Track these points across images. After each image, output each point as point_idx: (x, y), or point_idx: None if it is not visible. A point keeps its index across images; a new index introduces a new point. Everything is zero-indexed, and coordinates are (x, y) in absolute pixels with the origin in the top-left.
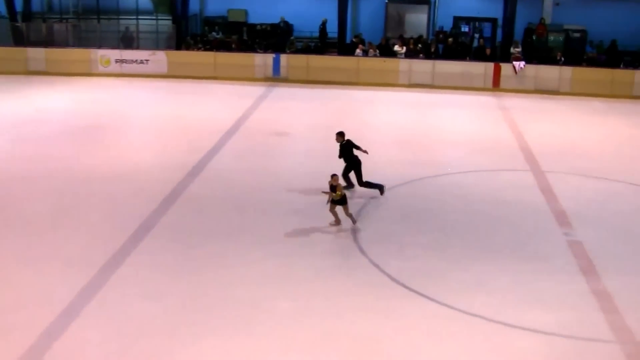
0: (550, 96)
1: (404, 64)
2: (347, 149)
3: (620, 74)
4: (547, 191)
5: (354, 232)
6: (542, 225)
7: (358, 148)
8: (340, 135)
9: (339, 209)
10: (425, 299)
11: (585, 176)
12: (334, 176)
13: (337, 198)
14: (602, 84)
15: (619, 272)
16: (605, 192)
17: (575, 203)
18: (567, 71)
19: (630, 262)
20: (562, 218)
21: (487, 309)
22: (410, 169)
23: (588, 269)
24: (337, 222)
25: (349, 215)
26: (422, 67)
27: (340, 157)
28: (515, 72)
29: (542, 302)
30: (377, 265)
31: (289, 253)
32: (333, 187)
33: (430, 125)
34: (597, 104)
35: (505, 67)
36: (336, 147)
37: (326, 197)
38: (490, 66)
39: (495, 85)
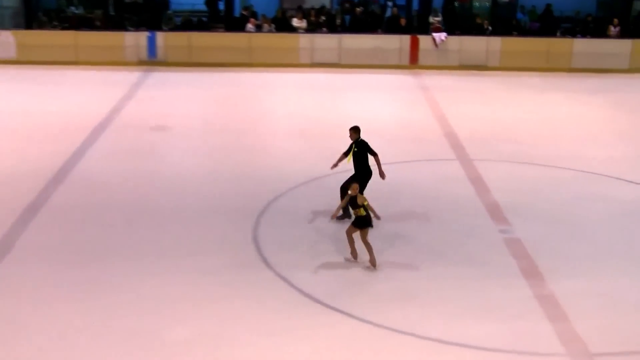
0: (477, 72)
1: (304, 40)
2: (363, 153)
3: (557, 44)
4: (477, 182)
5: (256, 241)
6: (475, 223)
7: (373, 154)
8: (356, 131)
9: (356, 234)
10: (343, 315)
11: (521, 163)
12: (353, 184)
13: (361, 214)
14: (536, 56)
15: (566, 273)
16: (544, 180)
17: (511, 195)
18: (496, 42)
19: (577, 260)
20: (496, 213)
21: (415, 323)
22: (317, 164)
23: (530, 271)
24: (354, 254)
25: (367, 243)
26: (326, 43)
27: (349, 160)
28: (436, 46)
29: (479, 312)
30: (284, 279)
31: (180, 270)
32: (353, 200)
33: (338, 111)
34: (531, 79)
35: (424, 40)
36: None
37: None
38: (406, 39)
39: (413, 61)
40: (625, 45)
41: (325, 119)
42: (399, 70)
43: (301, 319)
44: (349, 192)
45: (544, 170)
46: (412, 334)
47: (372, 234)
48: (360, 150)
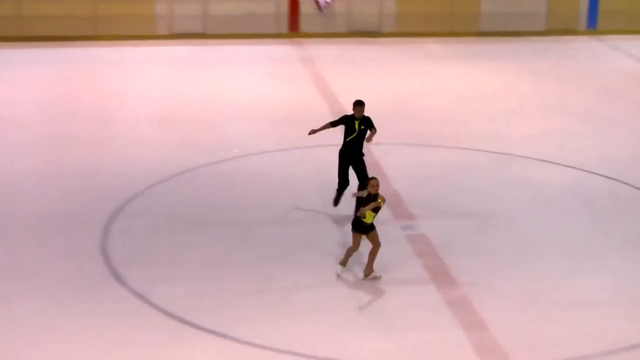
0: (370, 40)
1: (161, 7)
2: (365, 131)
3: (461, 4)
4: (374, 170)
5: (105, 252)
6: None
7: (373, 129)
8: (362, 105)
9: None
10: (208, 333)
11: (425, 146)
12: (372, 180)
13: (368, 221)
14: (437, 19)
15: (481, 273)
16: (453, 165)
17: (415, 184)
18: (390, 4)
19: (494, 257)
20: (397, 206)
21: (305, 341)
22: (179, 156)
23: (439, 273)
24: (345, 261)
25: (377, 244)
26: (187, 9)
27: (355, 142)
28: (320, 10)
29: (383, 323)
30: (140, 296)
31: (10, 292)
32: (373, 199)
33: (205, 91)
34: (432, 46)
35: (306, 3)
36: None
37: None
38: (284, 3)
39: (293, 29)
40: (540, 4)
41: (190, 102)
42: (276, 40)
43: (162, 343)
44: (369, 190)
45: (453, 153)
46: (295, 353)
47: (239, 235)
48: (365, 127)
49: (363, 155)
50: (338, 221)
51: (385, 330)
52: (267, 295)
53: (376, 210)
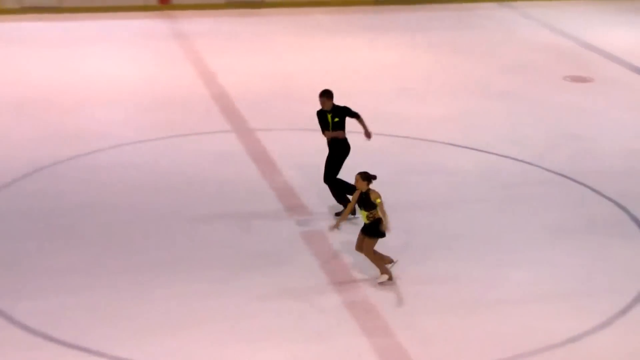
0: (251, 11)
1: None
2: (343, 120)
3: None
4: (262, 160)
5: None
6: (262, 214)
7: (355, 116)
8: (329, 96)
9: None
10: (81, 352)
11: (315, 130)
12: (357, 176)
13: (377, 216)
14: None
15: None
16: (352, 151)
17: (309, 174)
18: None
19: (401, 252)
20: (290, 199)
21: (184, 355)
22: (37, 150)
23: (338, 273)
24: (385, 269)
25: (373, 256)
26: None
27: (328, 135)
28: None
29: (278, 332)
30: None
31: None
32: (366, 198)
33: (61, 74)
34: (321, 17)
35: None
36: None
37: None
38: None
39: (164, 0)
40: None
41: (44, 87)
42: (144, 13)
43: None
44: (356, 186)
45: (351, 139)
46: None
47: (111, 244)
48: (341, 118)
49: (348, 149)
50: (230, 220)
51: (279, 340)
52: (142, 306)
53: (365, 202)
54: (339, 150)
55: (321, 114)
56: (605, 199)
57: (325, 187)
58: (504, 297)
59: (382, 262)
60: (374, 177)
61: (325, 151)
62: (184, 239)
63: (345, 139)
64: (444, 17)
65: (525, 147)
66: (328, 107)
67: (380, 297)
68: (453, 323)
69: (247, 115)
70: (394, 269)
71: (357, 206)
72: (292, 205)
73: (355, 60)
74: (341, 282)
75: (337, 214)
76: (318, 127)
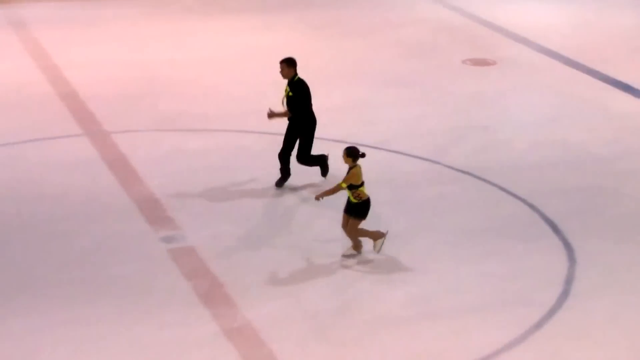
0: None
1: None
2: (301, 95)
3: None
4: (121, 167)
5: None
6: (121, 230)
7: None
8: (290, 64)
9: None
10: None
11: (180, 130)
12: (349, 154)
13: (363, 197)
14: None
15: (265, 293)
16: (218, 152)
17: (172, 181)
18: None
19: (282, 270)
20: (155, 211)
21: None
22: None
23: (214, 295)
24: (358, 246)
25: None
26: None
27: (289, 110)
28: None
29: None
30: None
31: None
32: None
33: None
34: (189, 1)
35: None
36: None
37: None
38: None
39: None
40: None
41: None
42: None
43: None
44: (346, 162)
45: (223, 138)
46: None
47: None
48: (297, 93)
49: (314, 124)
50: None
51: None
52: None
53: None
54: (300, 126)
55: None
56: (514, 198)
57: (198, 195)
58: (401, 313)
59: (363, 237)
60: (362, 155)
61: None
62: (32, 259)
63: (308, 114)
64: None
65: (426, 142)
66: (285, 76)
67: (263, 322)
68: (341, 352)
69: (101, 116)
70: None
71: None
72: (157, 218)
73: (230, 47)
74: (218, 304)
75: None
76: (184, 125)
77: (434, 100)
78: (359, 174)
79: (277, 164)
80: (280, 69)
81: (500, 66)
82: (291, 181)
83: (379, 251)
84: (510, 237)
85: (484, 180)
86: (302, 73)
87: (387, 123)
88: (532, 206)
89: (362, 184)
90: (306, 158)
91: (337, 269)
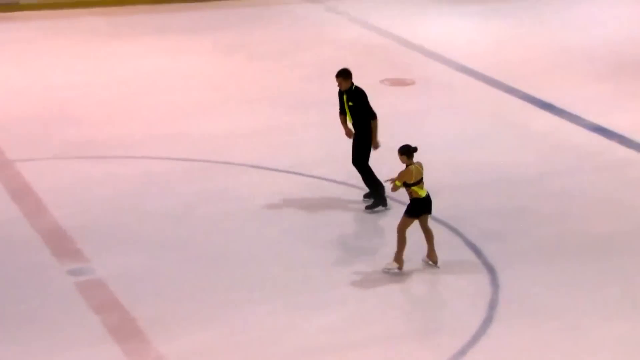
0: (4, 15)
1: None
2: (360, 105)
3: None
4: (24, 197)
5: None
6: (26, 264)
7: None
8: (348, 76)
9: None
10: None
11: (86, 158)
12: (403, 152)
13: (419, 195)
14: None
15: (174, 322)
16: (124, 180)
17: (77, 210)
18: None
19: (192, 301)
20: (61, 243)
21: None
22: None
23: (125, 330)
24: (400, 260)
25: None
26: None
27: (352, 119)
28: None
29: None
30: None
31: None
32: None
33: None
34: (94, 19)
35: None
36: None
37: None
38: None
39: None
40: None
41: None
42: None
43: None
44: (402, 161)
45: (130, 165)
46: None
47: None
48: (355, 103)
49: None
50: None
51: None
52: None
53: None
54: (364, 132)
55: (339, 94)
56: (435, 221)
57: (107, 225)
58: (322, 342)
59: (401, 248)
60: (414, 149)
61: None
62: None
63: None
64: (237, 15)
65: (342, 165)
66: (344, 88)
67: (176, 357)
68: None
69: (3, 144)
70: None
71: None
72: (64, 250)
73: (139, 70)
74: (129, 339)
75: (366, 196)
76: (90, 152)
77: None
78: (412, 172)
79: (187, 190)
80: (338, 84)
81: (419, 86)
82: (206, 209)
83: (384, 271)
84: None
85: (403, 203)
86: (213, 96)
87: (301, 147)
88: (453, 229)
89: (416, 182)
90: (364, 163)
91: (254, 297)
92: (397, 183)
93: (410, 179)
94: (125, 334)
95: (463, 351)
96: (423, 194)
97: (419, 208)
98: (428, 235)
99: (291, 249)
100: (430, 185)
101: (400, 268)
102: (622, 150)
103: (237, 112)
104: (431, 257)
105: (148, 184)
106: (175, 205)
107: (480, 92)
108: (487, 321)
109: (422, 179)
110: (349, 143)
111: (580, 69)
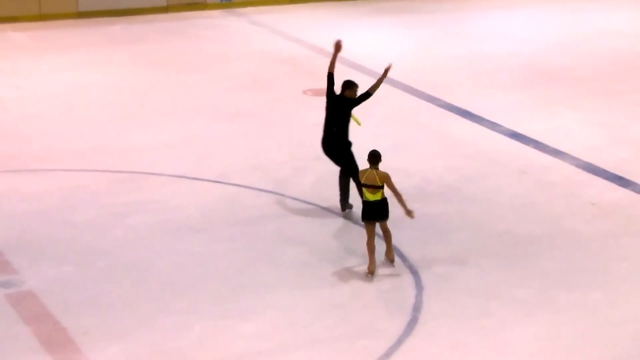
0: None
1: None
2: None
3: None
4: None
5: None
6: None
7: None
8: (352, 87)
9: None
10: None
11: (15, 171)
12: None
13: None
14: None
15: (110, 334)
16: (55, 194)
17: (13, 224)
18: None
19: (117, 314)
20: None
21: None
22: None
23: (56, 341)
24: (372, 267)
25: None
26: None
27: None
28: None
29: None
30: None
31: None
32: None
33: None
34: (15, 35)
35: None
36: None
37: None
38: None
39: None
40: None
41: None
42: None
43: None
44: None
45: (61, 178)
46: None
47: None
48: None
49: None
50: None
51: None
52: None
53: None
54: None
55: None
56: (360, 227)
57: (36, 237)
58: (250, 348)
59: (369, 253)
60: (375, 155)
61: None
62: None
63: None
64: (161, 28)
65: (267, 174)
66: (351, 95)
67: None
68: None
69: None
70: None
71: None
72: None
73: (64, 84)
74: (61, 349)
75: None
76: (20, 166)
77: (274, 132)
78: (362, 172)
79: (113, 201)
80: (347, 92)
81: None
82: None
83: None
84: (356, 265)
85: (328, 210)
86: (137, 109)
87: (226, 157)
88: (378, 234)
89: (366, 185)
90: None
91: (183, 306)
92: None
93: (361, 178)
94: (56, 344)
95: (388, 353)
96: (370, 198)
97: (366, 211)
98: (385, 235)
99: (219, 258)
100: (353, 192)
101: (370, 273)
102: (537, 155)
103: (162, 123)
104: (388, 256)
105: (74, 196)
106: (103, 216)
107: (400, 100)
108: (412, 323)
109: (377, 186)
110: (274, 153)
111: (496, 77)
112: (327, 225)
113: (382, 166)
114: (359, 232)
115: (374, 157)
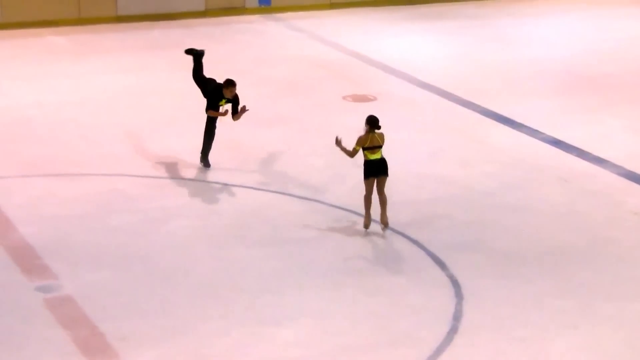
0: None
1: None
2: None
3: None
4: None
5: None
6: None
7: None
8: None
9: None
10: None
11: (55, 175)
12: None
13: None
14: (60, 3)
15: (150, 337)
16: (96, 198)
17: (47, 227)
18: None
19: (161, 317)
20: (29, 260)
21: None
22: None
23: (95, 346)
24: (367, 221)
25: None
26: None
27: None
28: None
29: None
30: None
31: None
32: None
33: None
34: (55, 39)
35: None
36: None
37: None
38: None
39: None
40: None
41: None
42: None
43: None
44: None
45: (100, 183)
46: None
47: None
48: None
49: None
50: None
51: None
52: None
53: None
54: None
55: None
56: (399, 235)
57: (74, 241)
58: (286, 355)
59: (366, 210)
60: (376, 121)
61: None
62: None
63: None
64: (197, 32)
65: (306, 181)
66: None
67: None
68: None
69: None
70: None
71: None
72: (32, 267)
73: (102, 88)
74: (98, 354)
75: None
76: (59, 170)
77: (314, 138)
78: (364, 138)
79: (152, 206)
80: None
81: (381, 101)
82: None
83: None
84: (395, 274)
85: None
86: (174, 113)
87: (264, 163)
88: (416, 243)
89: (369, 147)
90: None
91: (220, 312)
92: (356, 147)
93: (364, 144)
94: (94, 349)
95: None
96: (371, 157)
97: (368, 169)
98: (381, 198)
99: (256, 264)
100: (393, 199)
101: (366, 227)
102: (578, 163)
103: (200, 128)
104: (382, 220)
105: (111, 201)
106: (140, 222)
107: (440, 107)
108: (452, 332)
109: (378, 146)
110: (312, 159)
111: (535, 84)
112: (366, 233)
113: (419, 172)
114: (398, 240)
115: (376, 122)
